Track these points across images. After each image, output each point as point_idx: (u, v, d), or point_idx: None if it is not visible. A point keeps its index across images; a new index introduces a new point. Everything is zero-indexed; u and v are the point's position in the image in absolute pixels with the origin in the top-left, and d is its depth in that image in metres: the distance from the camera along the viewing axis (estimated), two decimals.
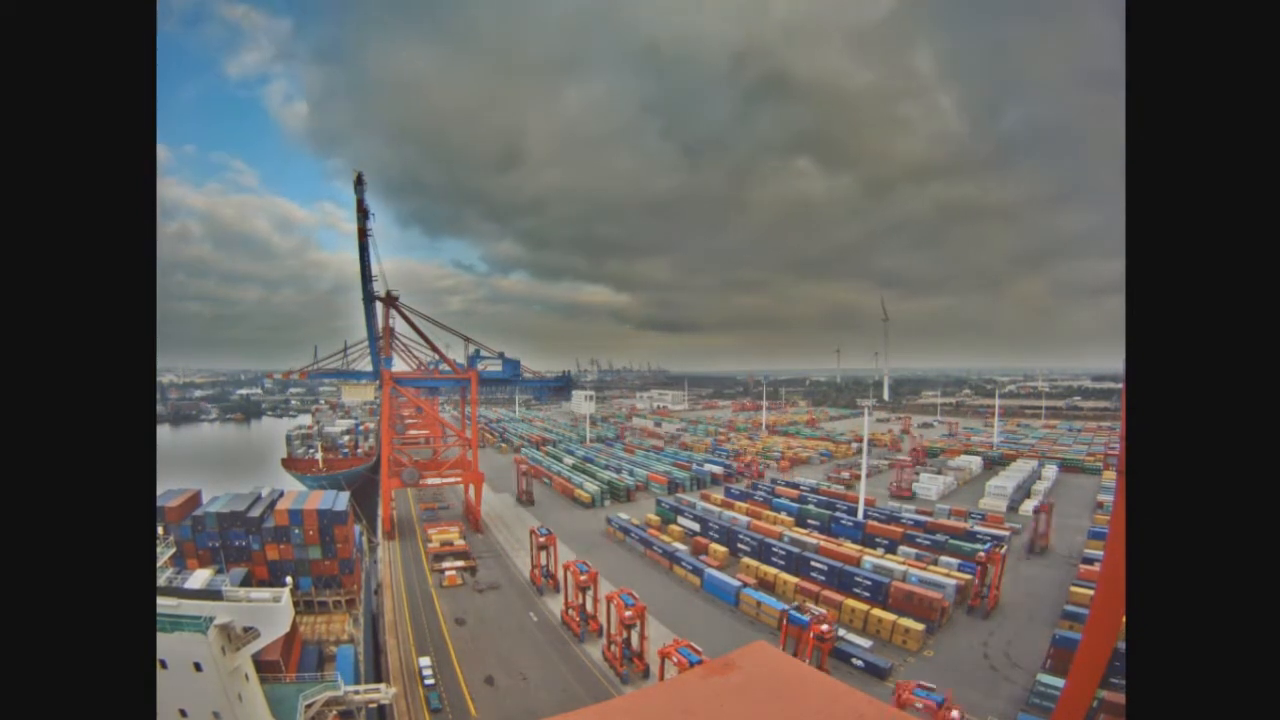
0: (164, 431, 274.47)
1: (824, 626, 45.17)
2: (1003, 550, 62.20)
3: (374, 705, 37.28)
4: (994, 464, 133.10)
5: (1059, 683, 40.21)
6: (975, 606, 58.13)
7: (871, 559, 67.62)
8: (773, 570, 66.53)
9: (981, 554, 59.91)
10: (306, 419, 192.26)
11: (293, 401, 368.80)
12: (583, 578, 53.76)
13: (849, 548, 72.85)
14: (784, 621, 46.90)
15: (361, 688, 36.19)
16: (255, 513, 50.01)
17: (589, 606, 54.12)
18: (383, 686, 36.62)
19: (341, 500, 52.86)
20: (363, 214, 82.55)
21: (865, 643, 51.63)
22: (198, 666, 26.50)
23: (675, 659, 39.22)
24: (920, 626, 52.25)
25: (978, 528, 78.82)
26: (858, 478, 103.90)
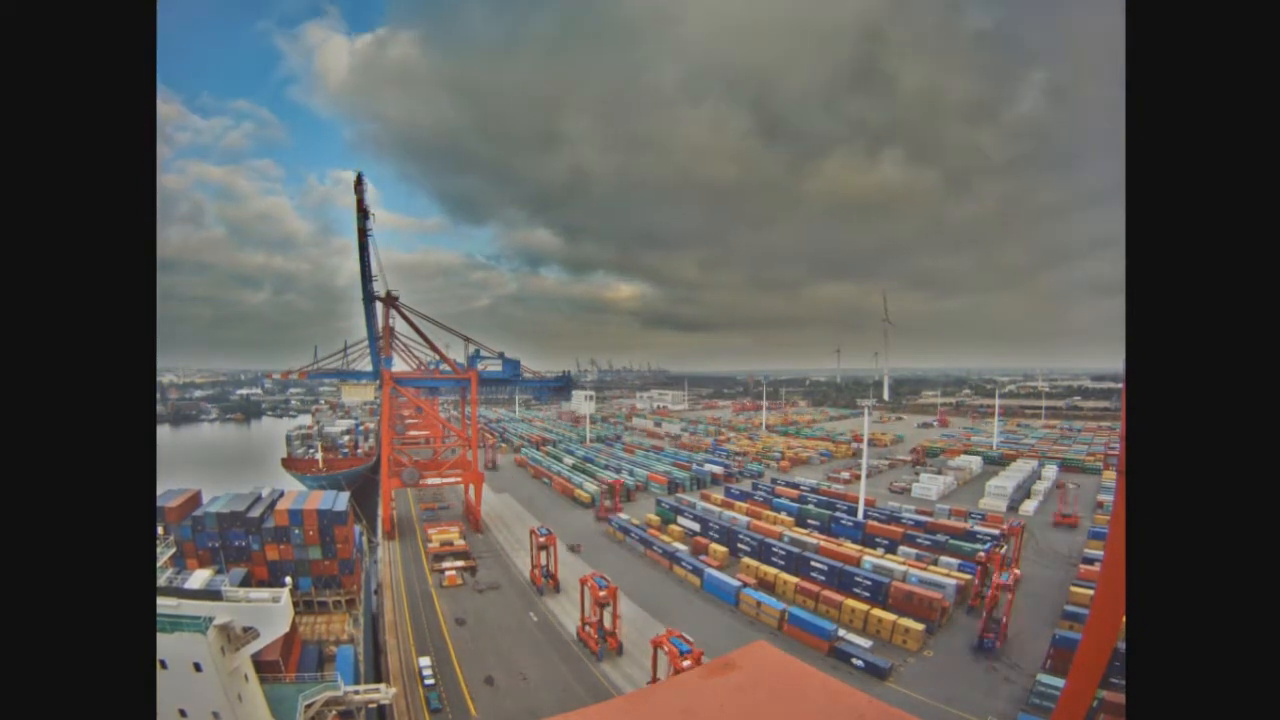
0: (164, 431, 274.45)
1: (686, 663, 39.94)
2: (1003, 550, 62.13)
3: (374, 705, 37.27)
4: (994, 464, 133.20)
5: (1059, 683, 40.22)
6: (975, 606, 58.13)
7: (871, 559, 67.64)
8: (773, 570, 66.52)
9: (981, 554, 59.93)
10: (306, 419, 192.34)
11: (293, 401, 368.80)
12: (602, 593, 50.63)
13: (849, 548, 72.86)
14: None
15: (361, 688, 36.19)
16: (255, 513, 50.04)
17: (608, 623, 51.35)
18: (382, 687, 36.64)
19: (341, 500, 52.88)
20: (362, 214, 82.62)
21: (865, 643, 51.64)
22: (197, 667, 26.50)
23: (667, 648, 40.23)
24: (920, 626, 52.26)
25: (978, 528, 78.85)
26: (857, 477, 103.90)
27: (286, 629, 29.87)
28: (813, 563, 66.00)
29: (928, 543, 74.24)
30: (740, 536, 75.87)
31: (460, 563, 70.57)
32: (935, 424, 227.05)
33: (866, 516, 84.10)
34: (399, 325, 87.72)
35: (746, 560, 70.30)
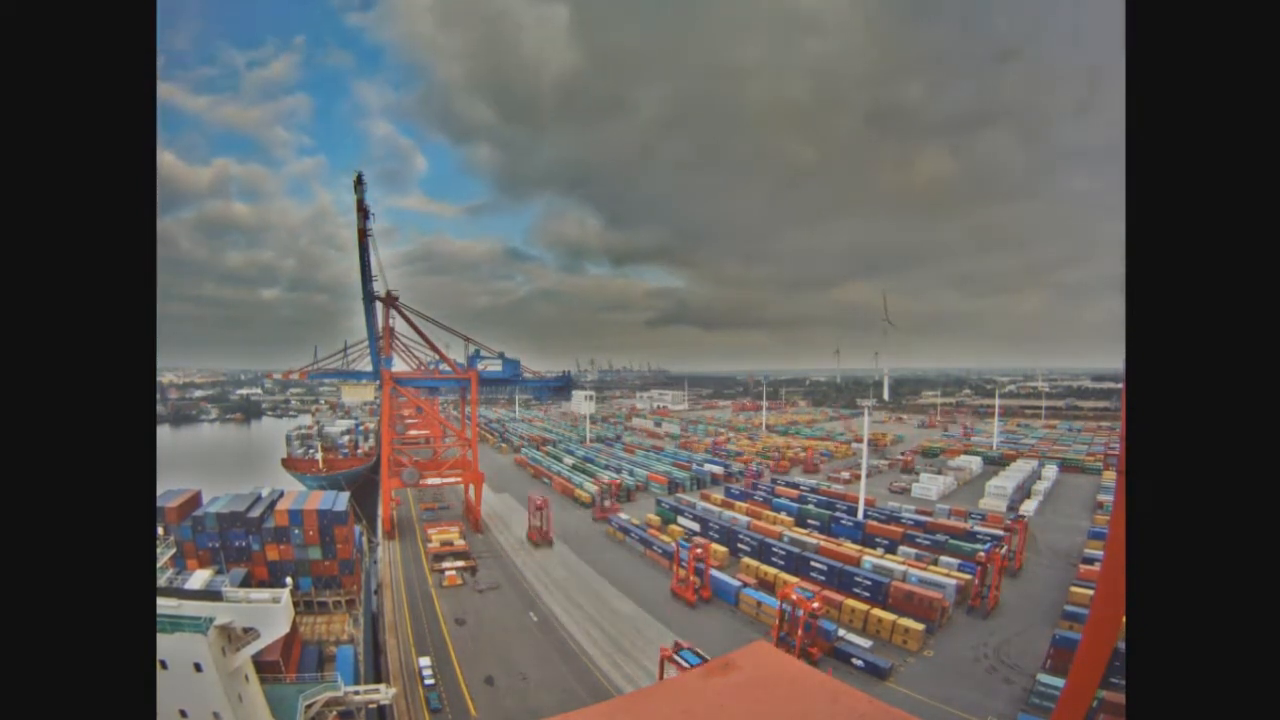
0: (164, 432, 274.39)
1: (815, 604, 49.35)
2: (1002, 550, 62.09)
3: (374, 705, 37.25)
4: (994, 464, 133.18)
5: (1059, 683, 40.21)
6: (975, 607, 58.11)
7: (871, 559, 67.62)
8: (773, 570, 66.52)
9: (981, 554, 59.97)
10: (306, 419, 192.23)
11: (293, 402, 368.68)
12: (699, 550, 57.00)
13: (849, 548, 72.83)
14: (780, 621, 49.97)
15: (361, 688, 36.19)
16: (255, 513, 50.03)
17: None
18: (382, 687, 36.62)
19: (341, 500, 52.87)
20: (363, 214, 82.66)
21: (865, 643, 51.63)
22: (198, 667, 26.50)
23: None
24: (920, 626, 52.24)
25: (978, 528, 78.85)
26: (857, 477, 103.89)
27: (287, 629, 29.86)
28: (813, 563, 65.98)
29: (928, 543, 74.22)
30: (740, 536, 75.86)
31: (460, 563, 70.55)
32: (929, 425, 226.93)
33: (866, 516, 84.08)
34: (399, 325, 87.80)
35: (746, 560, 70.29)
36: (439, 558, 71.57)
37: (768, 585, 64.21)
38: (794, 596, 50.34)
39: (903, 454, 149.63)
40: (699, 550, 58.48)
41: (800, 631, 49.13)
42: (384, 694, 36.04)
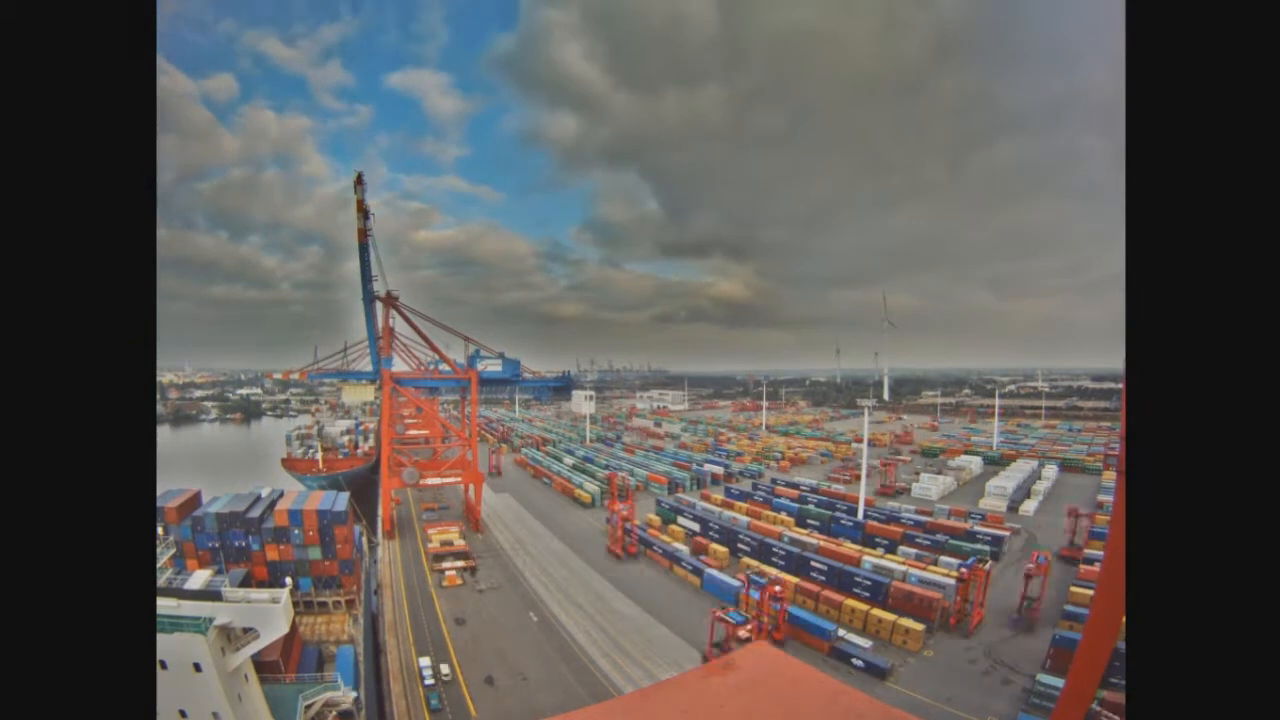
0: (164, 432, 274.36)
1: (776, 587, 52.10)
2: (986, 566, 58.54)
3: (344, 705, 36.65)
4: (994, 464, 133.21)
5: (1059, 682, 40.21)
6: (954, 626, 54.07)
7: (871, 559, 67.63)
8: (773, 570, 66.52)
9: (964, 570, 55.40)
10: (306, 419, 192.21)
11: (292, 402, 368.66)
12: (776, 588, 52.98)
13: (849, 548, 72.85)
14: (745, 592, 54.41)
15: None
16: (255, 513, 50.01)
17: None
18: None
19: (341, 500, 52.85)
20: (362, 214, 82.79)
21: (865, 643, 51.63)
22: (197, 667, 26.51)
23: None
24: (920, 626, 52.25)
25: (978, 528, 78.86)
26: (857, 477, 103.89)
27: (286, 629, 29.87)
28: (813, 563, 66.00)
29: (928, 543, 74.25)
30: (740, 536, 75.87)
31: (460, 563, 70.57)
32: (928, 427, 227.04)
33: (866, 516, 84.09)
34: (399, 325, 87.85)
35: (747, 560, 70.30)
36: (439, 557, 71.58)
37: None
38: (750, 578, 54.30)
39: (882, 460, 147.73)
40: (776, 588, 53.08)
41: (765, 613, 52.15)
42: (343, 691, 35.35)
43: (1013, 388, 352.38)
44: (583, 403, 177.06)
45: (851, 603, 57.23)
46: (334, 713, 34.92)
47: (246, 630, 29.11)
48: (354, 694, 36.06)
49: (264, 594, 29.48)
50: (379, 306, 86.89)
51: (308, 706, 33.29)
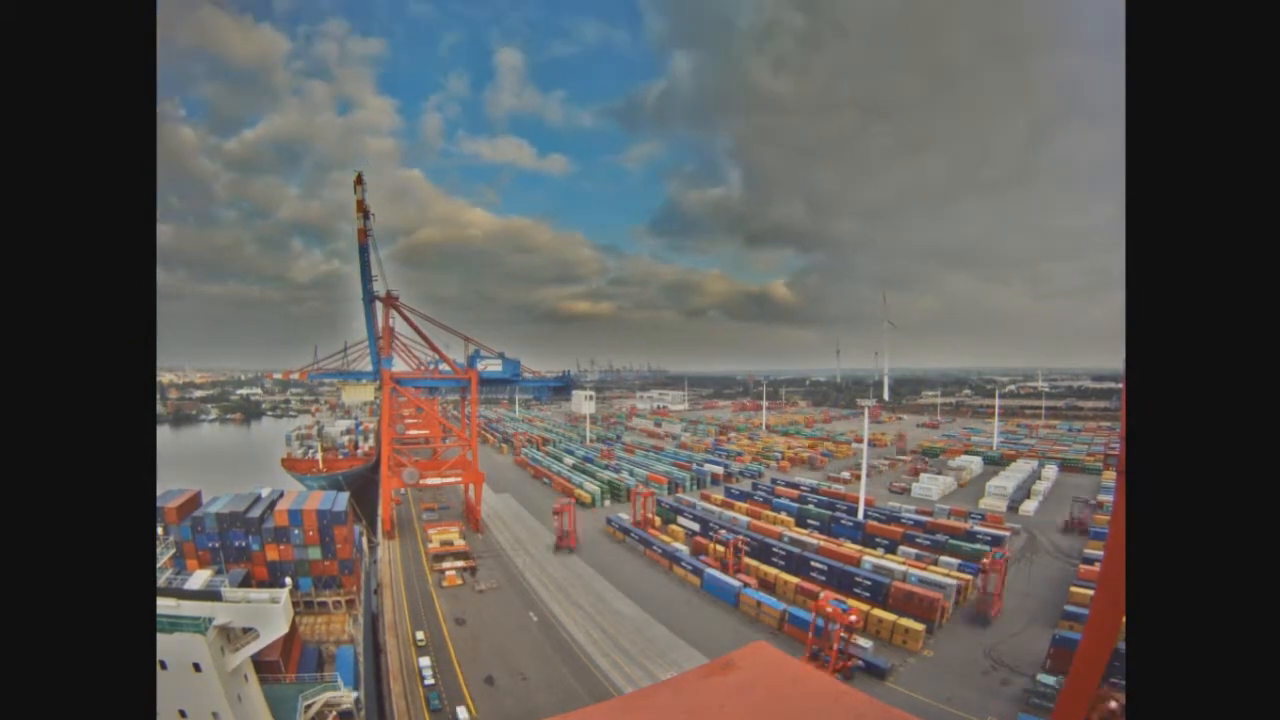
0: (164, 432, 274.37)
1: (852, 617, 47.97)
2: (1004, 557, 61.22)
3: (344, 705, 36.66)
4: (994, 464, 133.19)
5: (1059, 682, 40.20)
6: (980, 613, 56.69)
7: (871, 559, 67.61)
8: (773, 570, 66.52)
9: (985, 559, 59.32)
10: (306, 419, 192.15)
11: (292, 402, 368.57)
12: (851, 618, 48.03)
13: (849, 548, 72.84)
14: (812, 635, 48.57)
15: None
16: (255, 513, 49.99)
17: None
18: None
19: (341, 500, 52.84)
20: (363, 214, 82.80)
21: (865, 643, 51.60)
22: (197, 667, 26.51)
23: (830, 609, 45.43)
24: (920, 627, 52.24)
25: (978, 527, 78.85)
26: (857, 477, 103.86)
27: (286, 629, 29.88)
28: (813, 563, 65.98)
29: (928, 542, 74.23)
30: (740, 536, 75.79)
31: (460, 563, 70.56)
32: (943, 423, 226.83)
33: (867, 516, 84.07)
34: (399, 325, 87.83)
35: (746, 560, 70.26)
36: (439, 558, 71.57)
37: (768, 585, 64.25)
38: (829, 609, 46.90)
39: (902, 454, 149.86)
40: (852, 618, 48.53)
41: (835, 648, 46.36)
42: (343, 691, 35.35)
43: (1013, 387, 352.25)
44: (583, 403, 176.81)
45: (852, 603, 57.17)
46: (334, 713, 34.91)
47: (246, 630, 29.11)
48: (354, 694, 36.03)
49: (264, 594, 29.48)
50: (379, 306, 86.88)
51: (308, 706, 33.28)
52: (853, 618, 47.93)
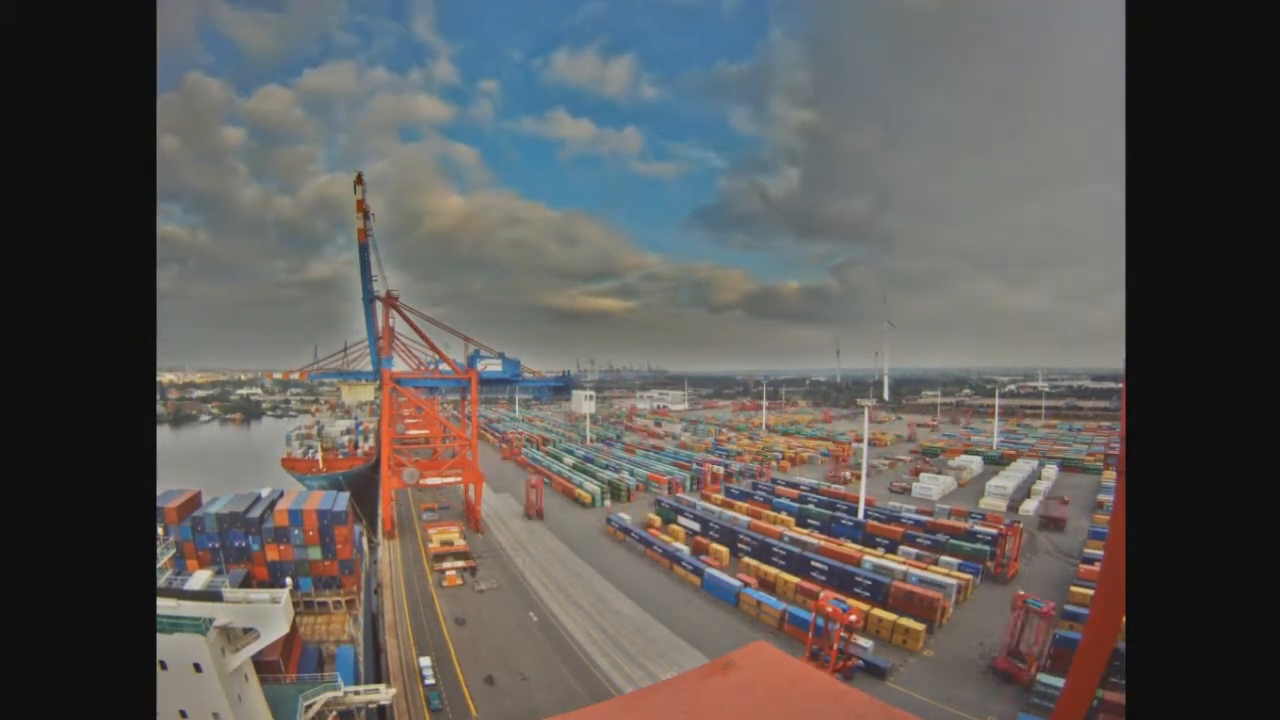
0: (164, 432, 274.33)
1: (852, 617, 48.09)
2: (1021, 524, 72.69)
3: (373, 706, 37.19)
4: (995, 463, 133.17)
5: (1059, 682, 40.20)
6: (997, 574, 66.09)
7: (872, 559, 67.61)
8: (773, 570, 66.51)
9: (1004, 529, 70.08)
10: (307, 419, 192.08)
11: (292, 402, 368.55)
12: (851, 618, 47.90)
13: (849, 548, 72.83)
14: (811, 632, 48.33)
15: (361, 688, 36.16)
16: (255, 513, 49.96)
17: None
18: (381, 687, 36.57)
19: (341, 500, 52.81)
20: (363, 214, 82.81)
21: (866, 642, 51.59)
22: (197, 667, 26.49)
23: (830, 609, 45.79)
24: (921, 626, 52.23)
25: (978, 527, 78.83)
26: (857, 477, 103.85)
27: (286, 629, 29.84)
28: (813, 563, 65.98)
29: (928, 542, 74.22)
30: (740, 536, 75.86)
31: (460, 563, 70.55)
32: (945, 423, 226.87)
33: (867, 516, 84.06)
34: (399, 325, 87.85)
35: (747, 560, 70.28)
36: (439, 558, 71.57)
37: (768, 585, 64.24)
38: (829, 609, 47.17)
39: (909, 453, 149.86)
40: (852, 618, 48.01)
41: (835, 648, 46.35)
42: (383, 694, 35.97)
43: (1013, 387, 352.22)
44: (583, 402, 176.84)
45: (852, 603, 57.16)
46: (334, 713, 34.92)
47: (246, 630, 29.09)
48: (391, 691, 37.00)
49: (264, 594, 29.45)
50: (379, 306, 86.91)
51: (308, 706, 33.27)
52: (852, 617, 47.89)
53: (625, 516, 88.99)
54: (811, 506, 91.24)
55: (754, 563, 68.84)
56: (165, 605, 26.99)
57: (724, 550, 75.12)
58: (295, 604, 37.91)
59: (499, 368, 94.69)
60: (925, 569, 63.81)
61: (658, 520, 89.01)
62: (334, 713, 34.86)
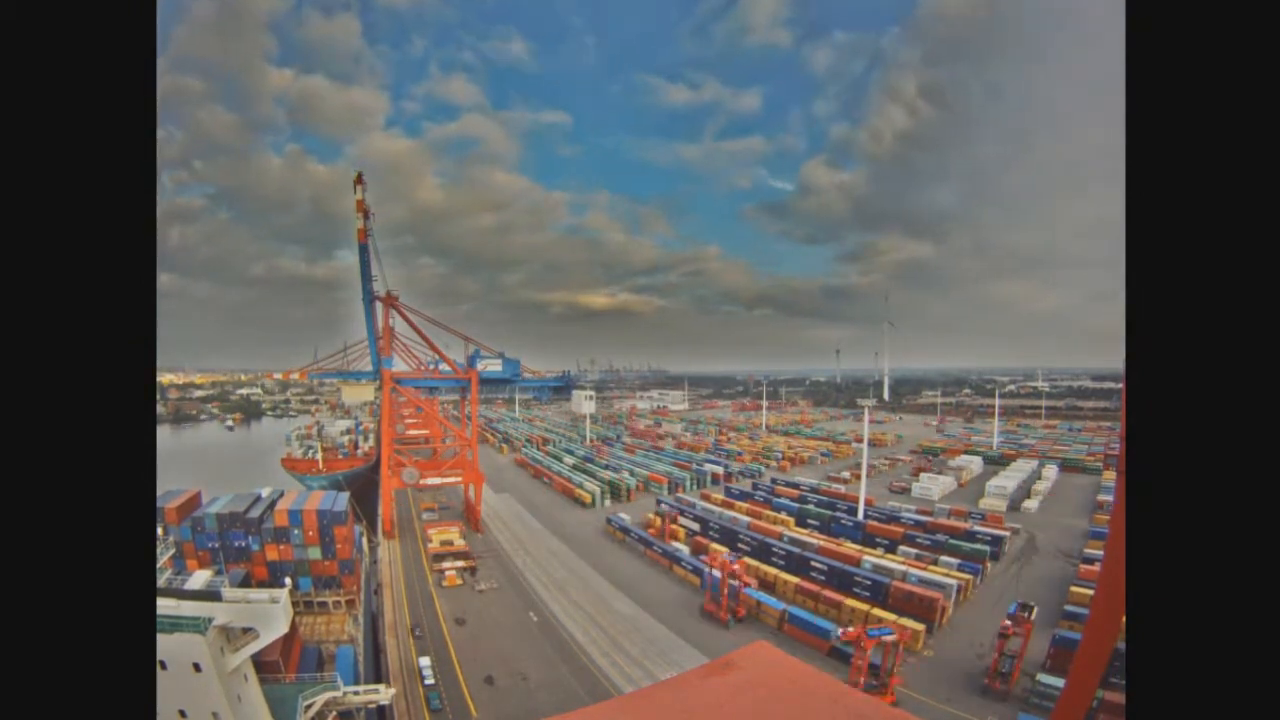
0: (164, 432, 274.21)
1: (736, 566, 54.58)
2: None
3: (373, 706, 37.19)
4: (995, 463, 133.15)
5: (1059, 682, 40.19)
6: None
7: (871, 559, 67.58)
8: (773, 570, 66.48)
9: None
10: (307, 419, 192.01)
11: (293, 402, 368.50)
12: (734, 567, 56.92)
13: (849, 548, 72.81)
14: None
15: (360, 688, 36.15)
16: (255, 513, 49.96)
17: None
18: (381, 687, 36.57)
19: (341, 500, 52.81)
20: (363, 214, 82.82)
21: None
22: (197, 667, 26.49)
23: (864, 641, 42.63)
24: (921, 626, 52.22)
25: (978, 527, 78.85)
26: (857, 477, 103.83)
27: (286, 629, 29.85)
28: (813, 563, 65.96)
29: (928, 542, 74.22)
30: (740, 536, 75.83)
31: (460, 563, 70.55)
32: (947, 423, 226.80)
33: (867, 516, 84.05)
34: (399, 325, 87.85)
35: (747, 560, 70.24)
36: (439, 558, 71.56)
37: (768, 585, 64.22)
38: (720, 560, 56.48)
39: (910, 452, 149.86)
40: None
41: (724, 595, 54.48)
42: (382, 694, 35.96)
43: (1013, 388, 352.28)
44: (583, 402, 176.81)
45: (851, 603, 57.19)
46: (334, 713, 34.91)
47: (246, 630, 29.09)
48: (391, 691, 36.95)
49: (264, 594, 29.46)
50: (379, 306, 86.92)
51: (307, 706, 33.27)
52: (736, 566, 56.14)
53: (625, 516, 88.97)
54: (811, 506, 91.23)
55: (754, 563, 68.80)
56: (165, 605, 26.99)
57: (724, 549, 75.08)
58: (295, 604, 37.95)
59: (499, 368, 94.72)
60: (925, 569, 63.80)
61: (657, 521, 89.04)
62: (333, 713, 34.84)
